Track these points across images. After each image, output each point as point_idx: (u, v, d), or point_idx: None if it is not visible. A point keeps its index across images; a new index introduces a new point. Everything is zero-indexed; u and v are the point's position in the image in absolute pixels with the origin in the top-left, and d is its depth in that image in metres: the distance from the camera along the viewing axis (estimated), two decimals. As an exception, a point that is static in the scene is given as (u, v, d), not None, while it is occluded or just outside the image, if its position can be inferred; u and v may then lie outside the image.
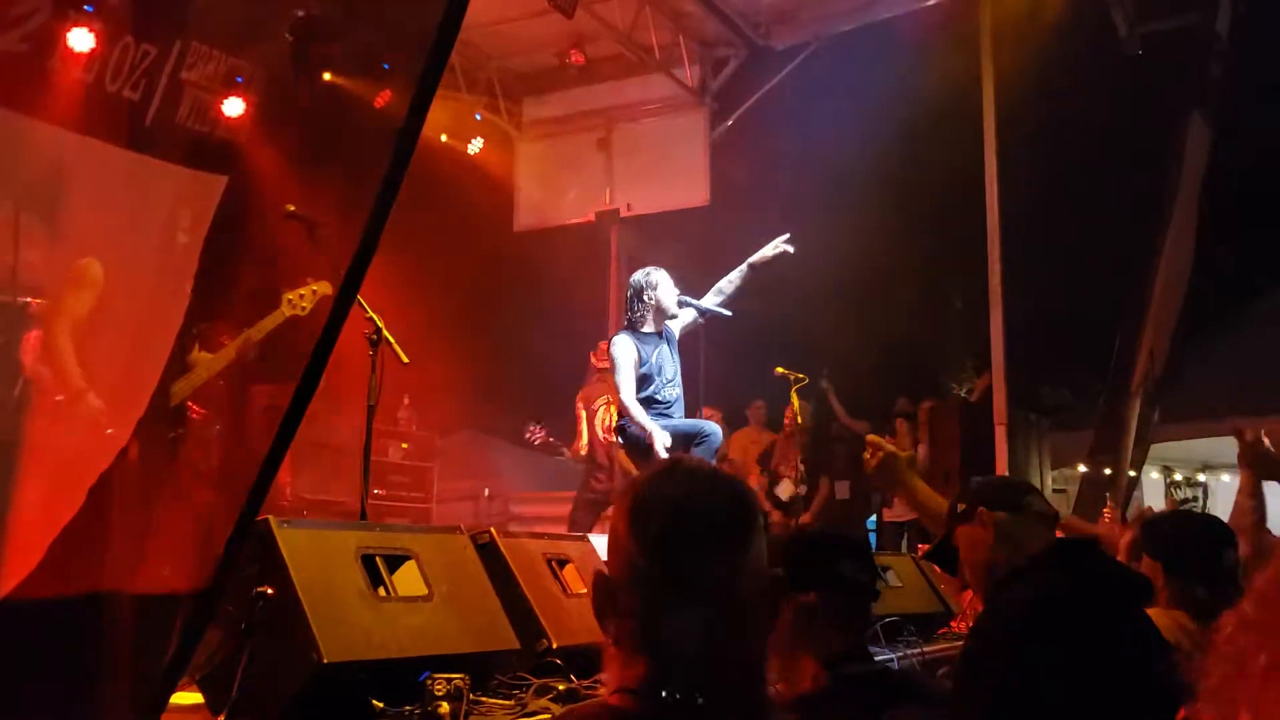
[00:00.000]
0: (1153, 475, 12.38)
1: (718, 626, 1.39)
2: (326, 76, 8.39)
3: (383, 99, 8.78)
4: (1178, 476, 12.72)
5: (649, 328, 5.65)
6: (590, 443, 7.97)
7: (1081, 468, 9.58)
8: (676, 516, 1.41)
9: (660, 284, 5.66)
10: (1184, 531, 3.09)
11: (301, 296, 4.38)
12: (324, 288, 4.40)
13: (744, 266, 5.80)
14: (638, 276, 5.75)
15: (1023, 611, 2.35)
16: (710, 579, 1.39)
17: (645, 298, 5.64)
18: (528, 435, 8.13)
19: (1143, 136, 10.12)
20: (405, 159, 1.99)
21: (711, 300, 5.76)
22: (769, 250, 5.77)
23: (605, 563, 1.51)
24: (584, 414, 8.04)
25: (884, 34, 9.04)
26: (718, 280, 5.83)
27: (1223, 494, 12.13)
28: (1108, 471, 9.73)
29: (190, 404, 4.58)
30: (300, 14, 7.39)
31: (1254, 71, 9.59)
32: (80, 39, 5.24)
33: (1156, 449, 10.61)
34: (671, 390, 5.64)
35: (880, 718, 1.95)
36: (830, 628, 2.06)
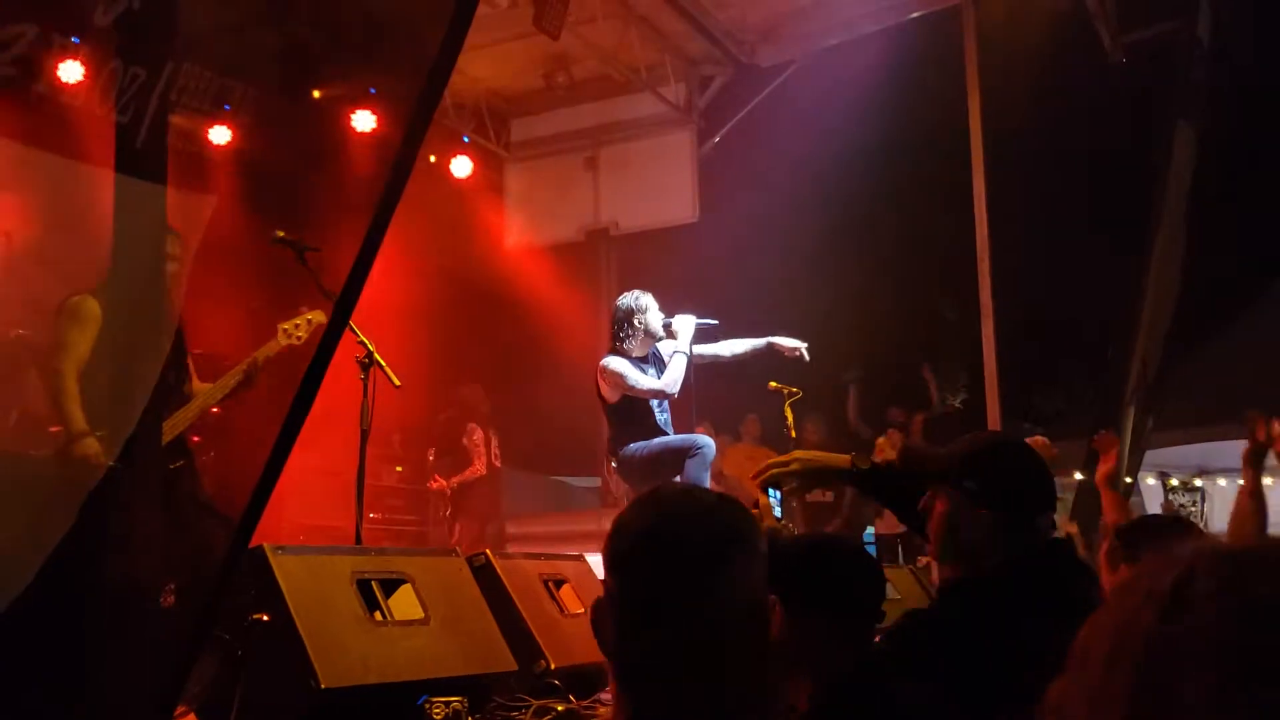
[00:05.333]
0: (1149, 481, 12.37)
1: (689, 653, 1.33)
2: (315, 96, 8.44)
3: (368, 124, 8.82)
4: (1174, 482, 12.70)
5: (637, 352, 5.58)
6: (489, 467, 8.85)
7: (1077, 475, 9.55)
8: (642, 544, 1.38)
9: (649, 308, 5.61)
10: (1156, 536, 3.09)
11: (297, 326, 4.38)
12: (318, 316, 4.39)
13: (764, 342, 5.83)
14: (626, 300, 5.65)
15: (975, 609, 2.27)
16: (675, 606, 1.34)
17: (636, 321, 5.55)
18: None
19: (1130, 144, 10.16)
20: (399, 189, 1.97)
21: (725, 348, 5.80)
22: (788, 343, 5.79)
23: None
24: (482, 443, 8.85)
25: (869, 49, 9.06)
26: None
27: (1220, 498, 12.14)
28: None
29: (189, 434, 4.57)
30: (289, 37, 7.42)
31: (1236, 75, 9.64)
32: (67, 65, 5.26)
33: (1152, 454, 10.60)
34: (660, 413, 5.60)
35: None
36: (832, 648, 2.02)
